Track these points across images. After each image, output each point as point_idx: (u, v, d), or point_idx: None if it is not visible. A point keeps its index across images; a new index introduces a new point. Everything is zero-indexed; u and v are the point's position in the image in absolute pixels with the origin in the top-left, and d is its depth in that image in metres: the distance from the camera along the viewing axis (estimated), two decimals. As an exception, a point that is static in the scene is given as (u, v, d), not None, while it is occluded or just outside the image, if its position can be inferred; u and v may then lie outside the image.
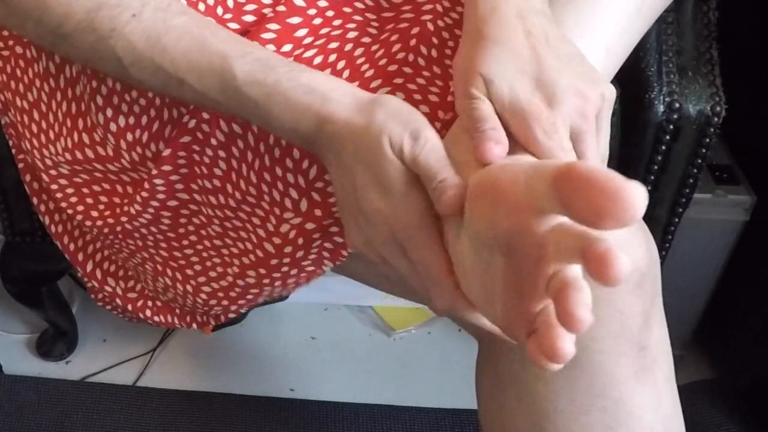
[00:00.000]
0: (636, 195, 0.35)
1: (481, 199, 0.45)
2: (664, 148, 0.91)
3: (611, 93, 0.53)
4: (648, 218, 0.96)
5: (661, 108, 0.89)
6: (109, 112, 0.61)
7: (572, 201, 0.37)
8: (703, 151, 0.91)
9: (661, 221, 0.97)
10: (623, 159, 0.93)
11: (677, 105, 0.88)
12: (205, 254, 0.67)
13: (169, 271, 0.70)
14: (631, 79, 0.90)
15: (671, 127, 0.89)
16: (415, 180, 0.50)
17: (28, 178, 0.77)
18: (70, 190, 0.69)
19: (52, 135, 0.67)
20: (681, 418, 0.60)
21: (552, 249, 0.39)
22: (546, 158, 0.50)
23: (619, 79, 0.92)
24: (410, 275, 0.52)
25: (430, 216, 0.49)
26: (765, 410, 1.06)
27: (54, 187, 0.69)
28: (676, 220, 0.97)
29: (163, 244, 0.68)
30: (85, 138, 0.64)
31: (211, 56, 0.54)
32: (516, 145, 0.51)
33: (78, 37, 0.56)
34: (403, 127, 0.50)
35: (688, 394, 1.09)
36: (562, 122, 0.51)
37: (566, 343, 0.38)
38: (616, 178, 0.36)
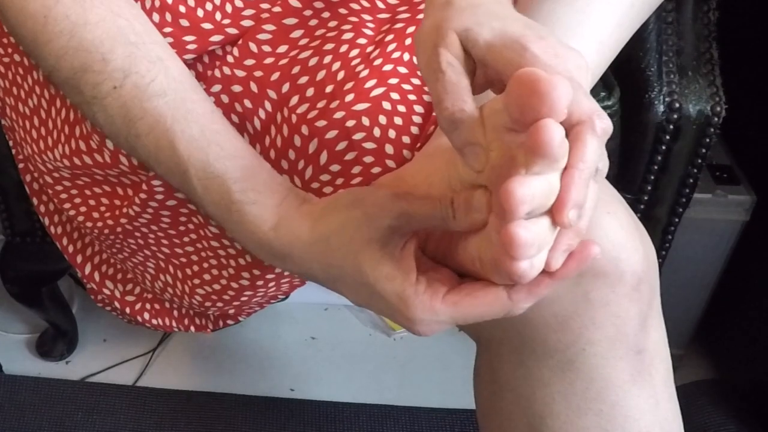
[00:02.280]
0: (553, 86, 0.37)
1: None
2: (664, 148, 0.91)
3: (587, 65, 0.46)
4: (648, 218, 0.96)
5: (661, 108, 0.89)
6: None
7: (509, 107, 0.40)
8: (703, 151, 0.91)
9: (661, 221, 0.97)
10: (623, 159, 0.92)
11: (677, 105, 0.88)
12: (203, 254, 0.67)
13: (171, 268, 0.70)
14: (631, 79, 0.90)
15: (671, 127, 0.89)
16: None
17: (28, 178, 0.77)
18: (74, 191, 0.69)
19: (50, 142, 0.67)
20: (680, 421, 0.59)
21: (521, 158, 0.40)
22: None
23: (619, 79, 0.92)
24: None
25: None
26: (765, 410, 1.06)
27: (58, 188, 0.69)
28: (676, 220, 0.97)
29: (165, 241, 0.68)
30: (82, 145, 0.64)
31: (177, 159, 0.54)
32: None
33: (67, 91, 0.56)
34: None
35: (688, 394, 1.10)
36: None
37: (522, 229, 0.40)
38: (537, 72, 0.38)
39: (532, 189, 0.39)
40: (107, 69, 0.53)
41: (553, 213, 0.41)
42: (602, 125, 0.41)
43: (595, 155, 0.41)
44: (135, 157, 0.58)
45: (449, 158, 0.48)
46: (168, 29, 0.59)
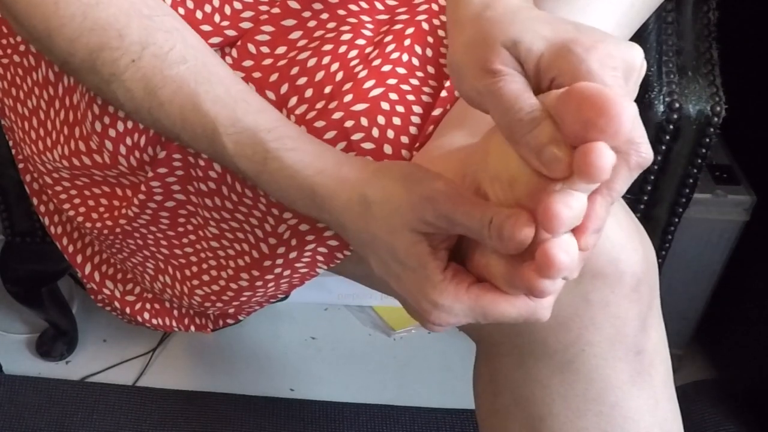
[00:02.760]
0: (623, 108, 0.36)
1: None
2: (664, 148, 0.91)
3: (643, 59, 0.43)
4: (648, 218, 0.96)
5: (661, 108, 0.88)
6: (107, 120, 0.61)
7: (565, 117, 0.38)
8: (703, 151, 0.91)
9: (660, 221, 0.97)
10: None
11: (677, 105, 0.88)
12: (202, 255, 0.67)
13: (170, 269, 0.70)
14: (631, 79, 0.90)
15: (671, 127, 0.89)
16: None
17: (28, 178, 0.77)
18: (73, 192, 0.69)
19: (49, 142, 0.67)
20: (679, 421, 0.59)
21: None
22: None
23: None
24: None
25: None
26: (765, 410, 1.06)
27: (58, 188, 0.69)
28: (676, 220, 0.97)
29: (164, 242, 0.68)
30: (81, 146, 0.64)
31: (203, 120, 0.53)
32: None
33: (84, 75, 0.56)
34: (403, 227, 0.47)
35: (688, 394, 1.10)
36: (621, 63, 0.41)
37: (560, 250, 0.40)
38: (607, 92, 0.37)
39: (574, 211, 0.39)
40: (124, 44, 0.53)
41: (576, 235, 0.41)
42: (638, 159, 0.41)
43: (624, 187, 0.42)
44: (159, 130, 0.56)
45: (467, 159, 0.47)
46: None
